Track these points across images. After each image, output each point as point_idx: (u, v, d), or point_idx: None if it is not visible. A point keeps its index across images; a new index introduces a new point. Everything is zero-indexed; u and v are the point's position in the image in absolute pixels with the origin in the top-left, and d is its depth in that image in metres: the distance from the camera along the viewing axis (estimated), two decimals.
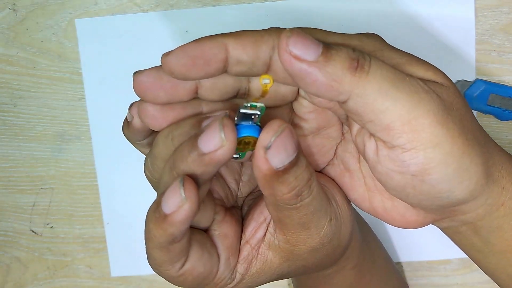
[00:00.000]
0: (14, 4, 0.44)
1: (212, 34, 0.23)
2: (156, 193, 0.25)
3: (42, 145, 0.47)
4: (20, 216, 0.48)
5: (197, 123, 0.24)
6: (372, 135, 0.23)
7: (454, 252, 0.43)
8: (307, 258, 0.26)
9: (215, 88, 0.24)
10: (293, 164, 0.22)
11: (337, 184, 0.28)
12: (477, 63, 0.42)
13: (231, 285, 0.26)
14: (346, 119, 0.26)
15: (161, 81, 0.24)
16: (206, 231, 0.26)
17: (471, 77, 0.42)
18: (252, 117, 0.23)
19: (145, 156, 0.26)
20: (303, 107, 0.27)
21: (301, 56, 0.21)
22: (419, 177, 0.23)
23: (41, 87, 0.46)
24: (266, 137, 0.21)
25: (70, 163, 0.47)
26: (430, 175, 0.23)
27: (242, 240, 0.27)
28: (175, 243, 0.23)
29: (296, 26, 0.26)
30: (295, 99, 0.27)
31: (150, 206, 0.23)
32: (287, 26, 0.24)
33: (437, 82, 0.24)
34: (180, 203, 0.21)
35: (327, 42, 0.23)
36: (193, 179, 0.22)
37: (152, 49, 0.44)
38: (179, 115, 0.25)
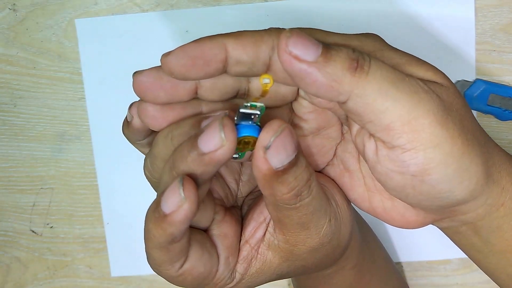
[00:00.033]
0: (14, 4, 0.44)
1: (212, 34, 0.23)
2: (156, 193, 0.25)
3: (42, 145, 0.47)
4: (20, 216, 0.48)
5: (197, 123, 0.24)
6: (372, 135, 0.23)
7: (454, 252, 0.43)
8: (307, 258, 0.26)
9: (215, 88, 0.24)
10: (292, 164, 0.22)
11: (336, 184, 0.28)
12: (477, 63, 0.42)
13: (231, 285, 0.26)
14: (346, 119, 0.26)
15: (161, 81, 0.24)
16: (205, 231, 0.26)
17: (471, 77, 0.42)
18: (252, 117, 0.23)
19: (144, 156, 0.26)
20: (303, 107, 0.27)
21: (300, 56, 0.21)
22: (419, 177, 0.23)
23: (41, 87, 0.46)
24: (265, 137, 0.21)
25: (70, 163, 0.47)
26: (430, 175, 0.23)
27: (241, 240, 0.27)
28: (174, 243, 0.23)
29: (296, 26, 0.26)
30: (295, 99, 0.27)
31: (150, 206, 0.23)
32: (287, 26, 0.24)
33: (437, 83, 0.24)
34: (179, 203, 0.21)
35: (327, 42, 0.23)
36: (193, 179, 0.22)
37: (152, 49, 0.44)
38: (179, 115, 0.25)
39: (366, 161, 0.25)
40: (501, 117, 0.42)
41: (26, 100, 0.46)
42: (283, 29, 0.23)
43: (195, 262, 0.24)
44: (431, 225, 0.28)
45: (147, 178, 0.26)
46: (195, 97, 0.25)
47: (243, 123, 0.23)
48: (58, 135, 0.46)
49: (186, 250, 0.24)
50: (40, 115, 0.46)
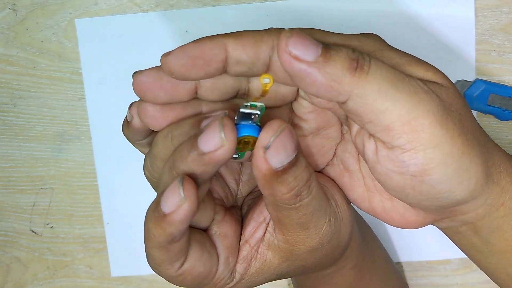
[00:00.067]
0: (14, 4, 0.44)
1: (212, 34, 0.23)
2: (155, 193, 0.25)
3: (42, 145, 0.47)
4: (20, 216, 0.48)
5: (197, 123, 0.24)
6: (371, 135, 0.23)
7: (454, 252, 0.43)
8: (306, 258, 0.26)
9: (215, 88, 0.24)
10: (292, 164, 0.22)
11: (336, 184, 0.28)
12: (477, 63, 0.42)
13: (230, 284, 0.26)
14: (345, 119, 0.26)
15: (161, 81, 0.24)
16: (205, 230, 0.26)
17: (471, 77, 0.42)
18: (252, 116, 0.23)
19: (144, 156, 0.26)
20: (303, 107, 0.27)
21: (300, 56, 0.21)
22: (418, 177, 0.23)
23: (41, 87, 0.46)
24: (265, 137, 0.21)
25: (70, 163, 0.47)
26: (429, 175, 0.23)
27: (241, 240, 0.27)
28: (174, 242, 0.23)
29: (296, 26, 0.26)
30: (295, 99, 0.27)
31: (150, 206, 0.23)
32: (287, 26, 0.24)
33: (436, 83, 0.24)
34: (179, 203, 0.21)
35: (327, 42, 0.23)
36: (193, 178, 0.22)
37: (152, 49, 0.44)
38: (179, 115, 0.25)
39: (365, 161, 0.25)
40: (501, 117, 0.42)
41: (26, 100, 0.46)
42: (283, 29, 0.23)
43: (195, 262, 0.24)
44: (431, 225, 0.28)
45: (147, 178, 0.26)
46: (195, 97, 0.25)
47: (243, 123, 0.23)
48: (58, 135, 0.46)
49: (186, 250, 0.24)
50: (40, 115, 0.46)
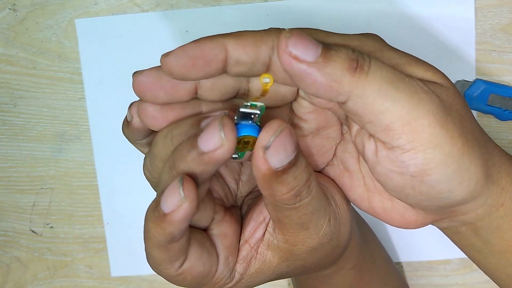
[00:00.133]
0: (14, 4, 0.44)
1: (212, 35, 0.23)
2: (155, 193, 0.25)
3: (42, 145, 0.47)
4: (20, 216, 0.48)
5: (196, 123, 0.24)
6: (371, 135, 0.23)
7: (454, 252, 0.43)
8: (306, 258, 0.26)
9: (215, 88, 0.24)
10: (292, 164, 0.22)
11: (336, 184, 0.28)
12: (477, 63, 0.42)
13: (230, 284, 0.26)
14: (345, 119, 0.26)
15: (161, 81, 0.24)
16: (205, 230, 0.26)
17: (471, 77, 0.42)
18: (252, 116, 0.23)
19: (144, 156, 0.26)
20: (303, 107, 0.27)
21: (300, 56, 0.21)
22: (418, 177, 0.23)
23: (41, 87, 0.46)
24: (265, 137, 0.21)
25: (70, 163, 0.47)
26: (429, 175, 0.23)
27: (241, 240, 0.27)
28: (174, 242, 0.23)
29: (296, 26, 0.26)
30: (295, 99, 0.27)
31: (149, 205, 0.23)
32: (287, 26, 0.24)
33: (436, 83, 0.24)
34: (179, 202, 0.21)
35: (327, 42, 0.23)
36: (193, 178, 0.22)
37: (152, 49, 0.44)
38: (178, 115, 0.25)
39: (365, 161, 0.25)
40: (501, 117, 0.42)
41: (26, 100, 0.46)
42: (283, 29, 0.23)
43: (195, 262, 0.24)
44: (431, 225, 0.28)
45: (146, 178, 0.26)
46: (195, 97, 0.25)
47: (243, 122, 0.23)
48: (58, 135, 0.46)
49: (186, 250, 0.24)
50: (40, 115, 0.46)
